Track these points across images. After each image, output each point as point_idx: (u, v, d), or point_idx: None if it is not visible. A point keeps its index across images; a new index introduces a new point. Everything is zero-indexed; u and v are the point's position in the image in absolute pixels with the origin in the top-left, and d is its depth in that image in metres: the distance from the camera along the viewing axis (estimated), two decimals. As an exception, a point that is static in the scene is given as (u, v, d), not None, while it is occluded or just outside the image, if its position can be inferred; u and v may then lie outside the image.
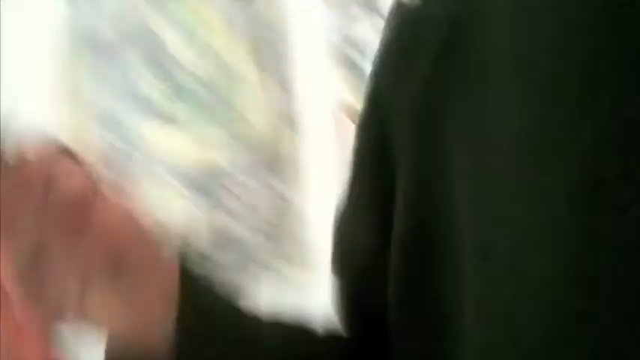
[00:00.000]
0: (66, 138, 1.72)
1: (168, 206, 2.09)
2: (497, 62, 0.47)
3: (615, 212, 0.41)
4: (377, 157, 0.54)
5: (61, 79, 2.11)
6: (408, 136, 0.51)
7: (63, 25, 2.12)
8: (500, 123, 0.46)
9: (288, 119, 2.10)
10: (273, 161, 2.13)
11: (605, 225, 0.41)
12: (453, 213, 0.47)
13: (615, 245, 0.41)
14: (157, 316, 0.50)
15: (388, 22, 0.54)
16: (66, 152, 0.52)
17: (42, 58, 2.09)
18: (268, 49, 2.14)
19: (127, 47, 2.14)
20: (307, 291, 1.78)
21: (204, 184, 2.12)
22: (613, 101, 0.42)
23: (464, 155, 0.47)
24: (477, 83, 0.48)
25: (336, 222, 0.59)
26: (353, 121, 1.91)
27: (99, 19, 2.14)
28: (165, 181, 2.09)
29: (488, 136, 0.46)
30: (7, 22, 2.05)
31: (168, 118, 2.15)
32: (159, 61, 2.15)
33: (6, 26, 2.05)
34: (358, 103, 0.61)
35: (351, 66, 2.15)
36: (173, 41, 2.16)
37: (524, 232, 0.43)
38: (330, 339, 0.59)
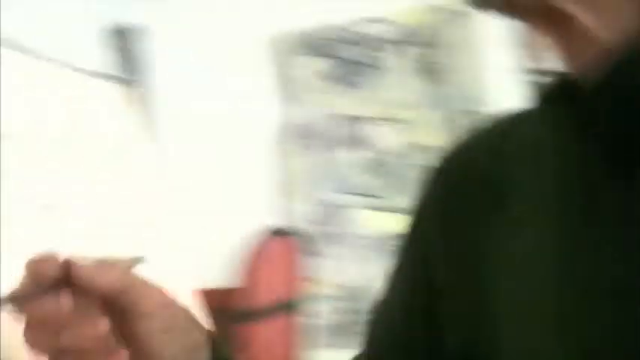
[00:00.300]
0: (273, 217, 1.90)
1: (363, 271, 2.22)
2: (521, 201, 0.54)
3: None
4: (417, 276, 0.60)
5: (274, 169, 2.34)
6: (448, 267, 0.57)
7: (276, 120, 2.35)
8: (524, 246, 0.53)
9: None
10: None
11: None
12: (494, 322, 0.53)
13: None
14: None
15: (436, 161, 0.62)
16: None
17: (257, 151, 2.34)
18: (461, 121, 2.20)
19: (333, 135, 2.34)
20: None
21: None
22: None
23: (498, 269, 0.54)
24: (506, 223, 0.54)
25: (372, 313, 0.65)
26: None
27: (307, 114, 2.36)
28: (362, 249, 2.23)
29: (514, 255, 0.53)
30: (224, 114, 2.32)
31: (365, 192, 2.30)
32: (361, 143, 2.32)
33: (223, 118, 2.32)
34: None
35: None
36: (371, 122, 2.32)
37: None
38: None
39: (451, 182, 0.60)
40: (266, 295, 2.10)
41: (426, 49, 2.28)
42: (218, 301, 1.86)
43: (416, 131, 2.27)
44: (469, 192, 0.58)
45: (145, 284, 0.55)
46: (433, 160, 0.61)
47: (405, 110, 2.28)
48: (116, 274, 0.54)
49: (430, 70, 2.28)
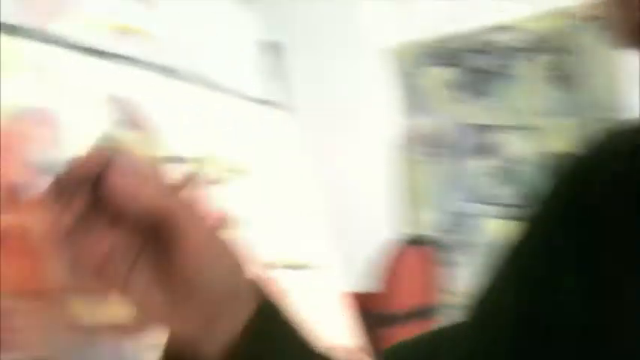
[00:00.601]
0: (403, 226, 1.91)
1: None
2: None
3: None
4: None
5: (402, 178, 2.37)
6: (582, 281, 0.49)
7: (404, 130, 2.38)
8: None
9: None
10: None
11: None
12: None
13: None
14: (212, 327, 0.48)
15: (560, 168, 0.53)
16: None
17: (387, 161, 2.36)
18: (593, 129, 2.17)
19: (463, 144, 2.34)
20: None
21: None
22: None
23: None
24: None
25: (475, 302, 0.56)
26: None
27: (436, 123, 2.37)
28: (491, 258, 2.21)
29: None
30: (354, 125, 2.36)
31: (494, 201, 2.29)
32: (490, 152, 2.31)
33: (353, 129, 2.36)
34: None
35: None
36: (501, 130, 2.30)
37: None
38: None
39: (581, 195, 0.51)
40: (403, 301, 2.12)
41: (557, 56, 2.25)
42: (360, 304, 1.90)
43: (547, 139, 2.24)
44: (604, 210, 0.49)
45: (193, 213, 0.49)
46: (560, 164, 0.53)
47: (535, 118, 2.26)
48: (162, 193, 0.47)
49: (561, 77, 2.24)
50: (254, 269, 0.50)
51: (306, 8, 2.38)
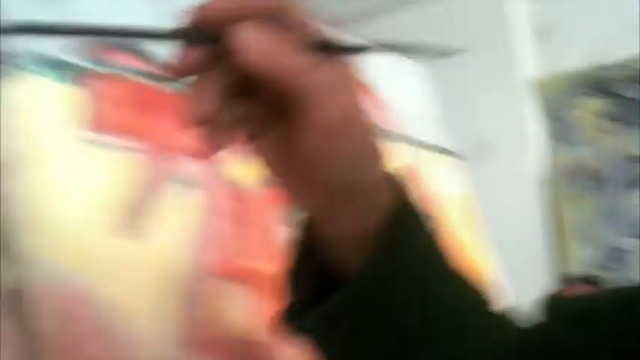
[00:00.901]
0: (561, 264, 1.85)
1: None
2: None
3: None
4: None
5: (551, 213, 2.31)
6: None
7: (551, 164, 2.33)
8: None
9: None
10: None
11: None
12: None
13: None
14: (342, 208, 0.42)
15: None
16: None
17: (533, 196, 2.32)
18: None
19: (617, 177, 2.27)
20: None
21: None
22: None
23: None
24: None
25: None
26: None
27: (588, 156, 2.31)
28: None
29: None
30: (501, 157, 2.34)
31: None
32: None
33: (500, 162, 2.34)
34: None
35: None
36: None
37: None
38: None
39: None
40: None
41: None
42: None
43: None
44: None
45: (336, 90, 0.40)
46: None
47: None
48: (301, 61, 0.39)
49: None
50: (397, 166, 0.44)
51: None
